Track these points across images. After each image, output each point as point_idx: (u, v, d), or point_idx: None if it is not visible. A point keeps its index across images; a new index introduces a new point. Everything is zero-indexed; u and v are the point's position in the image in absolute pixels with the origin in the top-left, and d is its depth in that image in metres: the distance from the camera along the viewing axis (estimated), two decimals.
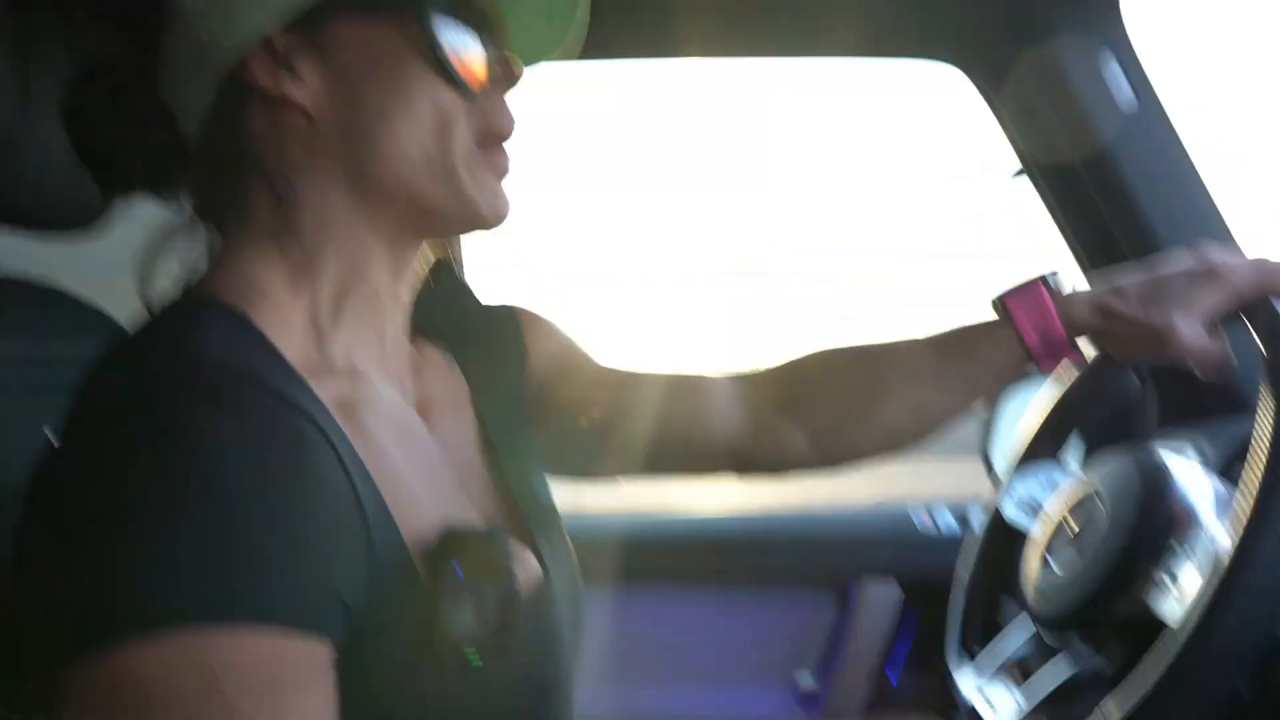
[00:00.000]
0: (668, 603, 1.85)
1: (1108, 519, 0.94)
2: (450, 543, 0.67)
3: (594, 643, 1.40)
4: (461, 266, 1.71)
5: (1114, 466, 0.99)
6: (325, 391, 0.68)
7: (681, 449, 1.01)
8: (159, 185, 0.82)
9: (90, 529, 0.54)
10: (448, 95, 0.73)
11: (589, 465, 1.02)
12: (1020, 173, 1.56)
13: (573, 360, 1.01)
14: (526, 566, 0.76)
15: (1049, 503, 1.11)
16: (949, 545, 1.78)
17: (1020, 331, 0.92)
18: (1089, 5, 1.37)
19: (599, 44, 1.47)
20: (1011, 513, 1.16)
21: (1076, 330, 0.92)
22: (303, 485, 0.59)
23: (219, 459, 0.56)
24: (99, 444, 0.58)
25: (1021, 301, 0.92)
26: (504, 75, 0.77)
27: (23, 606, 0.56)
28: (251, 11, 0.71)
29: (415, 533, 0.67)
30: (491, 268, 1.84)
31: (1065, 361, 0.94)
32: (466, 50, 0.75)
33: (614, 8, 1.38)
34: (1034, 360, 0.93)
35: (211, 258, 0.77)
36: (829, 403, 1.01)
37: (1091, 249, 1.54)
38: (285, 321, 0.71)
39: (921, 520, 1.83)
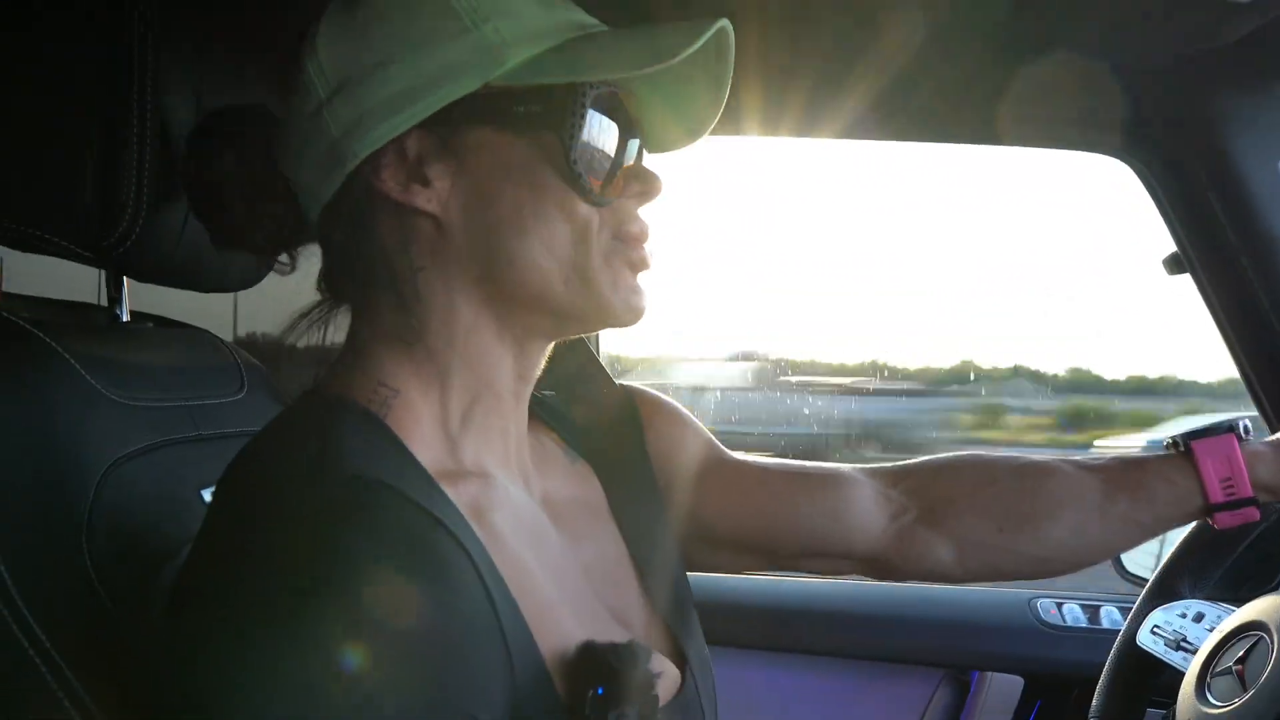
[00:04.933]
0: (782, 668, 1.84)
1: (1277, 652, 0.91)
2: (589, 661, 0.66)
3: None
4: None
5: None
6: (459, 497, 0.67)
7: (816, 552, 0.96)
8: (269, 252, 0.82)
9: (222, 651, 0.54)
10: (579, 205, 0.71)
11: (714, 560, 0.98)
12: (1179, 269, 1.50)
13: (697, 450, 0.97)
14: (666, 674, 0.75)
15: (1199, 634, 1.08)
16: (1076, 639, 1.75)
17: (1205, 484, 0.86)
18: (1272, 108, 1.31)
19: (765, 125, 1.50)
20: (1148, 641, 1.13)
21: (1264, 491, 0.87)
22: (446, 617, 0.58)
23: (358, 585, 0.55)
24: (237, 565, 0.58)
25: (1210, 451, 0.87)
26: (641, 189, 0.75)
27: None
28: (387, 117, 0.69)
29: (553, 648, 0.66)
30: None
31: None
32: (603, 162, 0.72)
33: (784, 88, 1.39)
34: (1211, 515, 0.87)
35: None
36: (982, 520, 0.93)
37: (1251, 346, 1.47)
38: (417, 423, 0.70)
39: (1049, 612, 1.78)
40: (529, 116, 0.69)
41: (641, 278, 0.75)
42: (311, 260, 0.80)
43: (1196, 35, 1.22)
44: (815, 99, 1.42)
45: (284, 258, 0.82)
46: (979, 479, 0.95)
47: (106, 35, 0.90)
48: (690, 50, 0.66)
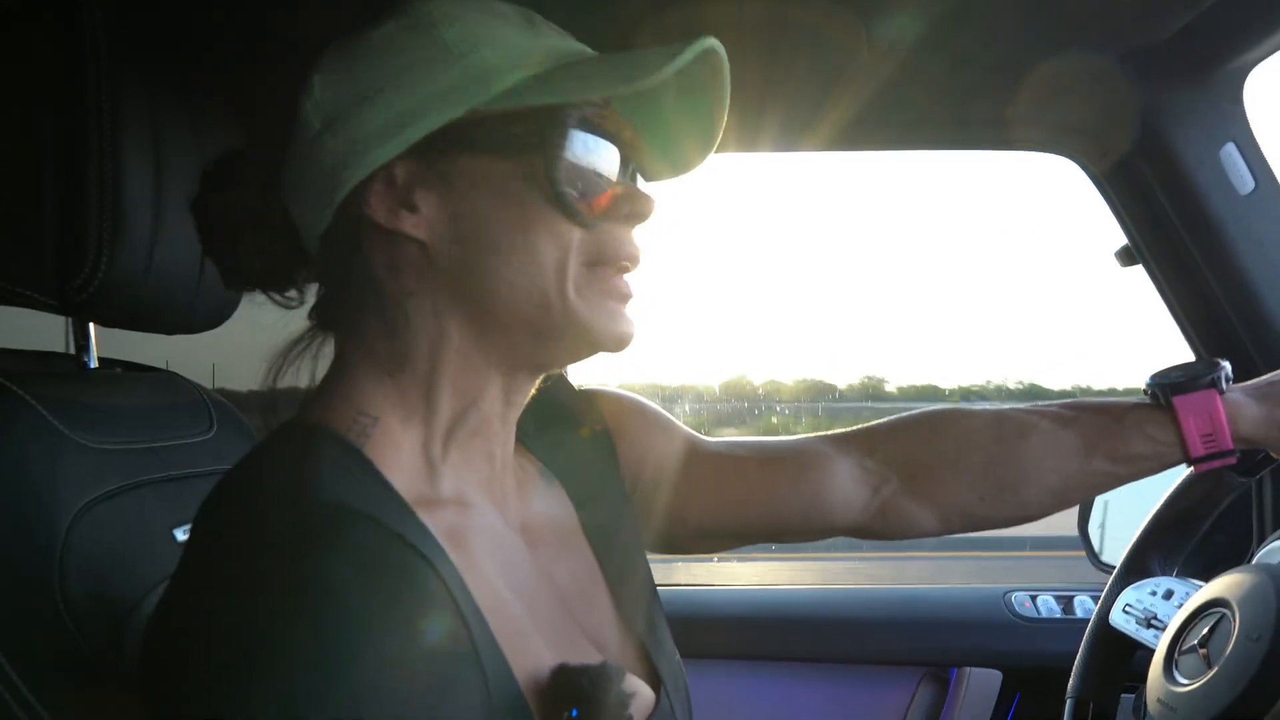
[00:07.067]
0: (763, 677, 1.85)
1: (1239, 629, 0.93)
2: (564, 684, 0.67)
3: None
4: None
5: (1244, 578, 0.97)
6: (436, 524, 0.67)
7: (798, 531, 0.97)
8: (277, 288, 0.82)
9: (203, 680, 0.55)
10: (565, 228, 0.70)
11: (698, 546, 1.00)
12: (1131, 261, 1.54)
13: (669, 449, 0.97)
14: (641, 694, 0.75)
15: (1168, 611, 1.10)
16: (1051, 630, 1.77)
17: (1185, 437, 0.88)
18: (1211, 98, 1.36)
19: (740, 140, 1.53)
20: (1120, 621, 1.14)
21: (1242, 441, 0.89)
22: (417, 636, 0.58)
23: (334, 609, 0.55)
24: (214, 592, 0.58)
25: (1192, 407, 0.88)
26: (631, 211, 0.74)
27: None
28: (374, 148, 0.70)
29: (528, 671, 0.66)
30: None
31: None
32: (591, 184, 0.71)
33: (749, 105, 1.42)
34: (1191, 464, 0.89)
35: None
36: (964, 488, 0.95)
37: (1206, 332, 1.51)
38: (396, 450, 0.70)
39: (1023, 605, 1.80)
40: (513, 139, 0.70)
41: (625, 304, 0.74)
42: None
43: (1134, 32, 1.26)
44: (790, 116, 1.45)
45: (292, 293, 0.82)
46: (958, 444, 0.96)
47: (61, 81, 0.89)
48: (670, 69, 0.66)
